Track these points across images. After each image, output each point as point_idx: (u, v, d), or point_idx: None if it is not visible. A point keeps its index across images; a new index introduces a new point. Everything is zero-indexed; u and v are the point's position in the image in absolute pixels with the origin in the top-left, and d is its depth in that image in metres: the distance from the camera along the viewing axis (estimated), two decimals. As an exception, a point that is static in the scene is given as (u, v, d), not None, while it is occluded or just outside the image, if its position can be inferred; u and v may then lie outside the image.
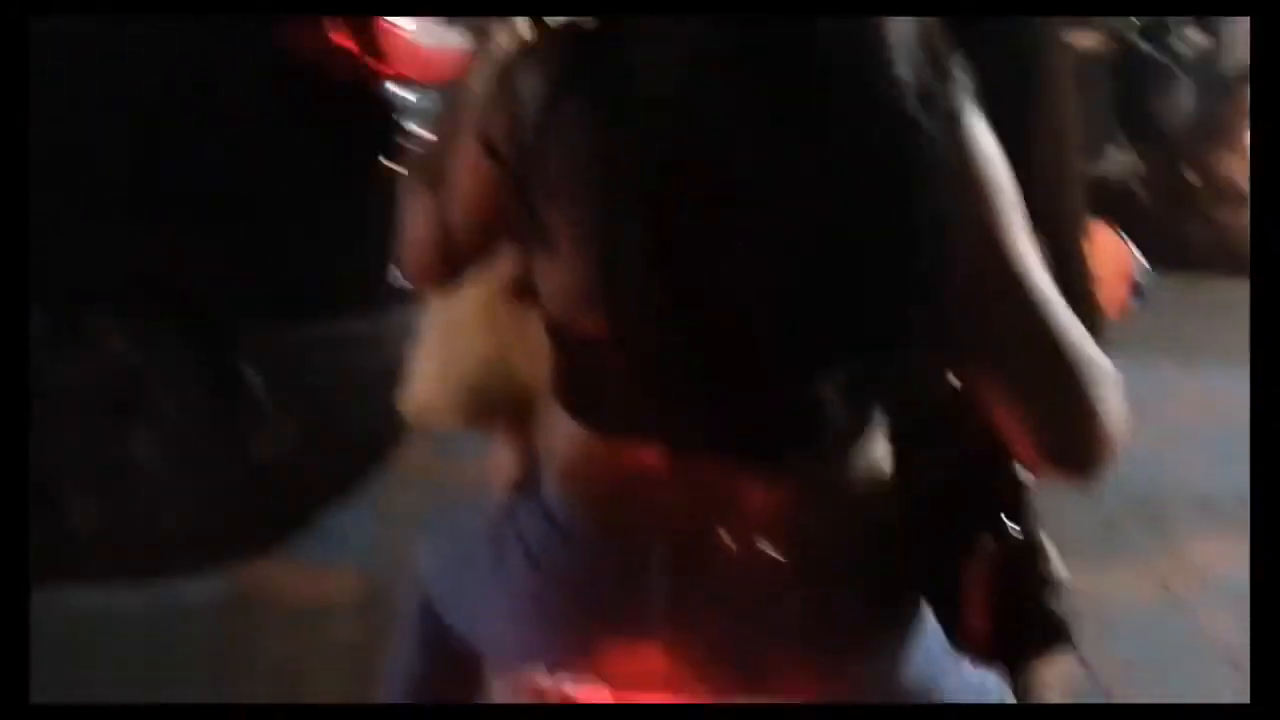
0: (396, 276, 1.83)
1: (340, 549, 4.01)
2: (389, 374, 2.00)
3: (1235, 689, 3.52)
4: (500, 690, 1.68)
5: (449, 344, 1.89)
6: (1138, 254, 2.10)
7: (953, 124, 1.37)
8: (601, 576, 1.57)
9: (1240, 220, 7.04)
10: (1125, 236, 2.12)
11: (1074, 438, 1.42)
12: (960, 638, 1.61)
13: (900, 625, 1.58)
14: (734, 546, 1.52)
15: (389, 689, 1.84)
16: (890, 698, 1.57)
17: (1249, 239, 7.09)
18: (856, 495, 1.53)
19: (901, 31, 1.35)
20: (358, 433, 3.72)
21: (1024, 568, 1.63)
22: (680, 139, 1.35)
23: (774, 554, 1.51)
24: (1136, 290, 2.11)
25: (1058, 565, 1.64)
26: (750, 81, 1.34)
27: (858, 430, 1.51)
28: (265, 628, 3.59)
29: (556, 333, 1.52)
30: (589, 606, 1.58)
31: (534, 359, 1.77)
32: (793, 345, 1.39)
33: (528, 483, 1.69)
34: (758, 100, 1.34)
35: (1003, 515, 1.62)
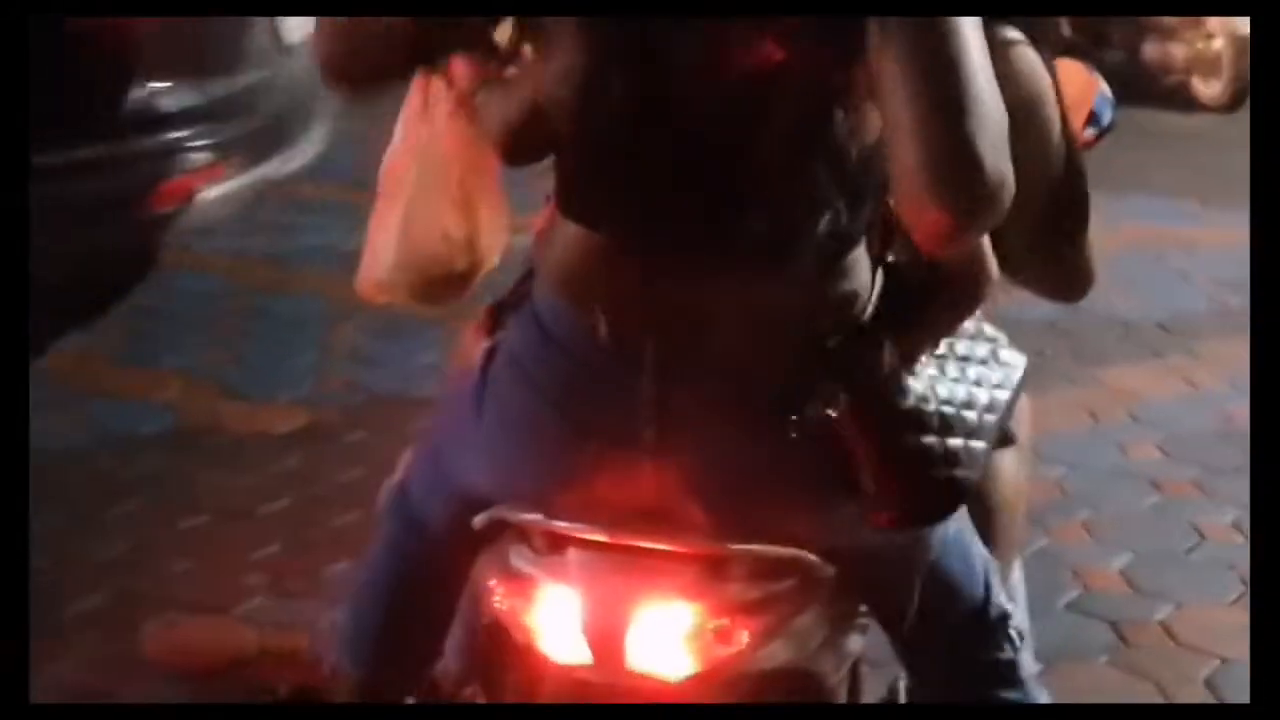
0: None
1: (280, 383, 4.02)
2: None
3: (1155, 504, 3.65)
4: (485, 566, 1.70)
5: (412, 221, 1.86)
6: (1104, 86, 2.11)
7: None
8: (591, 384, 1.58)
9: (1161, 52, 7.08)
10: (1094, 69, 2.12)
11: (951, 168, 1.38)
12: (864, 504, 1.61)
13: None
14: (721, 354, 1.54)
15: (371, 575, 1.83)
16: (880, 557, 1.62)
17: (1175, 71, 7.13)
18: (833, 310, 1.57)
19: None
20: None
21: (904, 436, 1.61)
22: None
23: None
24: (1098, 121, 2.12)
25: (945, 433, 1.63)
26: None
27: (838, 243, 1.55)
28: (209, 459, 3.59)
29: (562, 138, 1.55)
30: (579, 421, 1.58)
31: (498, 230, 1.81)
32: (759, 145, 1.48)
33: (516, 297, 1.69)
34: None
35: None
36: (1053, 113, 1.75)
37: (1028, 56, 1.72)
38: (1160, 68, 7.07)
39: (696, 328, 1.55)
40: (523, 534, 1.65)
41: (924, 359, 1.64)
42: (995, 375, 1.74)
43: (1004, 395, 1.72)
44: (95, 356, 4.09)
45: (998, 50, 1.53)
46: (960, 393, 1.65)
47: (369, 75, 1.61)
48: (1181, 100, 7.00)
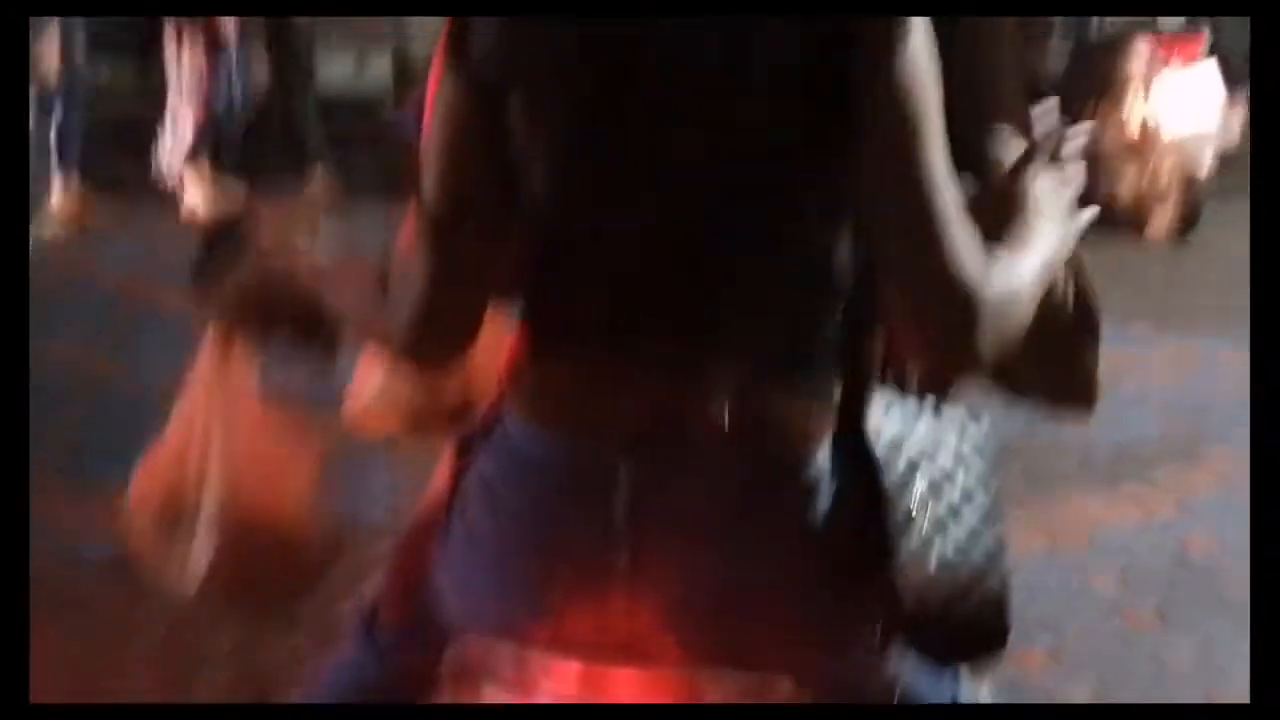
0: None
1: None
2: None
3: (1117, 631, 3.61)
4: (453, 690, 1.64)
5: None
6: None
7: (891, 38, 1.41)
8: (566, 508, 1.55)
9: (1110, 181, 7.16)
10: None
11: (942, 356, 1.49)
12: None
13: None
14: (701, 466, 1.52)
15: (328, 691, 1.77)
16: (862, 688, 1.57)
17: (1124, 200, 7.20)
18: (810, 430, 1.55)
19: None
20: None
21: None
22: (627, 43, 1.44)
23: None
24: None
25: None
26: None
27: (812, 354, 1.54)
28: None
29: (532, 250, 1.54)
30: (553, 547, 1.55)
31: (495, 365, 1.76)
32: (735, 258, 1.48)
33: (488, 423, 1.66)
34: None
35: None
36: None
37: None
38: (1110, 196, 7.15)
39: (674, 449, 1.52)
40: (494, 663, 1.59)
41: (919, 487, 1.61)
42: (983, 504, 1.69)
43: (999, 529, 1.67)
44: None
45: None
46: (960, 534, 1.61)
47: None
48: (1131, 228, 7.06)
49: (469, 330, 1.59)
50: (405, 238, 1.58)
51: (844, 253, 1.51)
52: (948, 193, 1.45)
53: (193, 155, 6.83)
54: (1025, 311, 1.52)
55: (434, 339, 1.59)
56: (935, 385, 1.66)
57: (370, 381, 1.88)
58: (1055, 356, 1.74)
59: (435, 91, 1.53)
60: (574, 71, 1.46)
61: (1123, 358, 5.51)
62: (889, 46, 1.41)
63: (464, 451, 1.68)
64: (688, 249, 1.49)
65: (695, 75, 1.44)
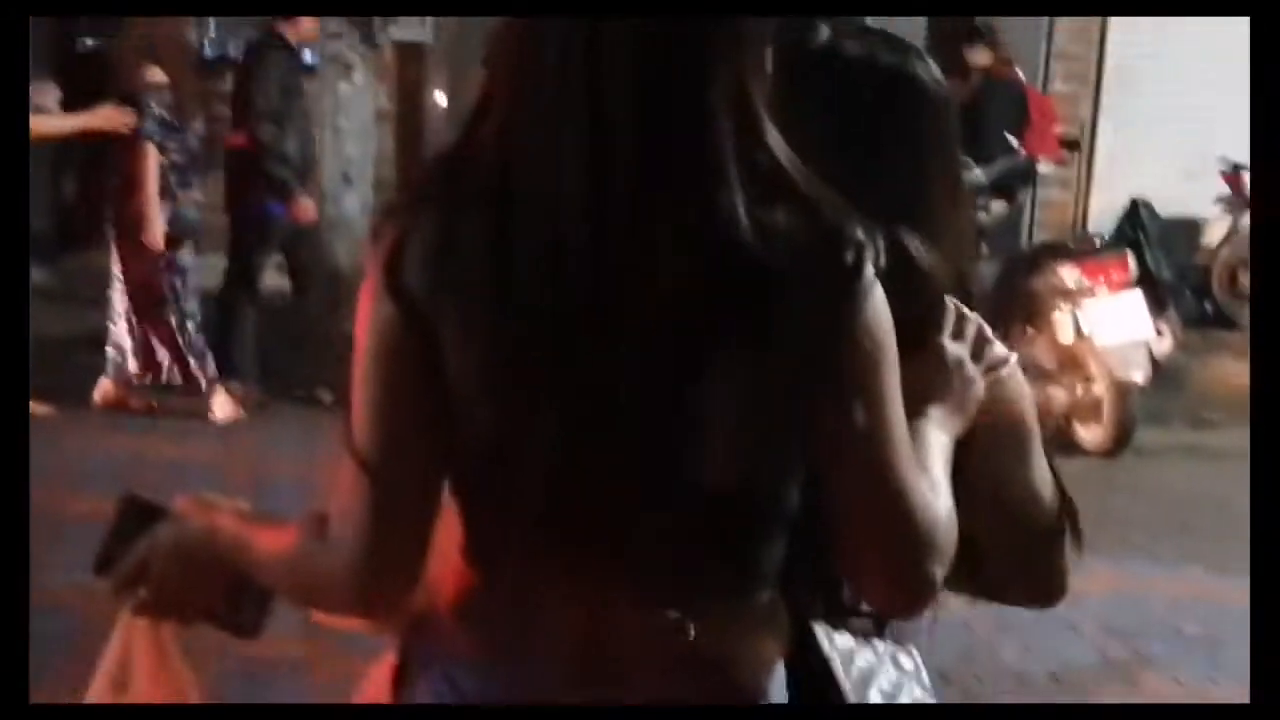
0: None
1: None
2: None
3: None
4: None
5: None
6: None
7: (850, 294, 1.41)
8: None
9: (1042, 396, 7.19)
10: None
11: (906, 596, 1.51)
12: None
13: None
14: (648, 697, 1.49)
15: None
16: None
17: (1055, 415, 7.21)
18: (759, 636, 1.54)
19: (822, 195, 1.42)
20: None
21: None
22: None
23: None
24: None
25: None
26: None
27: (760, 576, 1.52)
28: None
29: (462, 489, 1.50)
30: None
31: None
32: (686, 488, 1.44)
33: (424, 655, 1.59)
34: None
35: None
36: (1034, 429, 1.73)
37: (1016, 378, 1.70)
38: (1041, 412, 7.17)
39: (620, 675, 1.49)
40: None
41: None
42: None
43: None
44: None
45: (987, 374, 1.62)
46: None
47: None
48: (1065, 444, 7.08)
49: (414, 571, 1.51)
50: (339, 481, 1.51)
51: (791, 485, 1.48)
52: (905, 445, 1.46)
53: (213, 376, 6.95)
54: (953, 525, 1.52)
55: (378, 584, 1.51)
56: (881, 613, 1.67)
57: None
58: (1036, 555, 1.73)
59: (365, 321, 1.47)
60: (511, 305, 1.42)
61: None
62: (850, 301, 1.40)
63: (399, 681, 1.61)
64: (629, 483, 1.44)
65: (642, 317, 1.41)
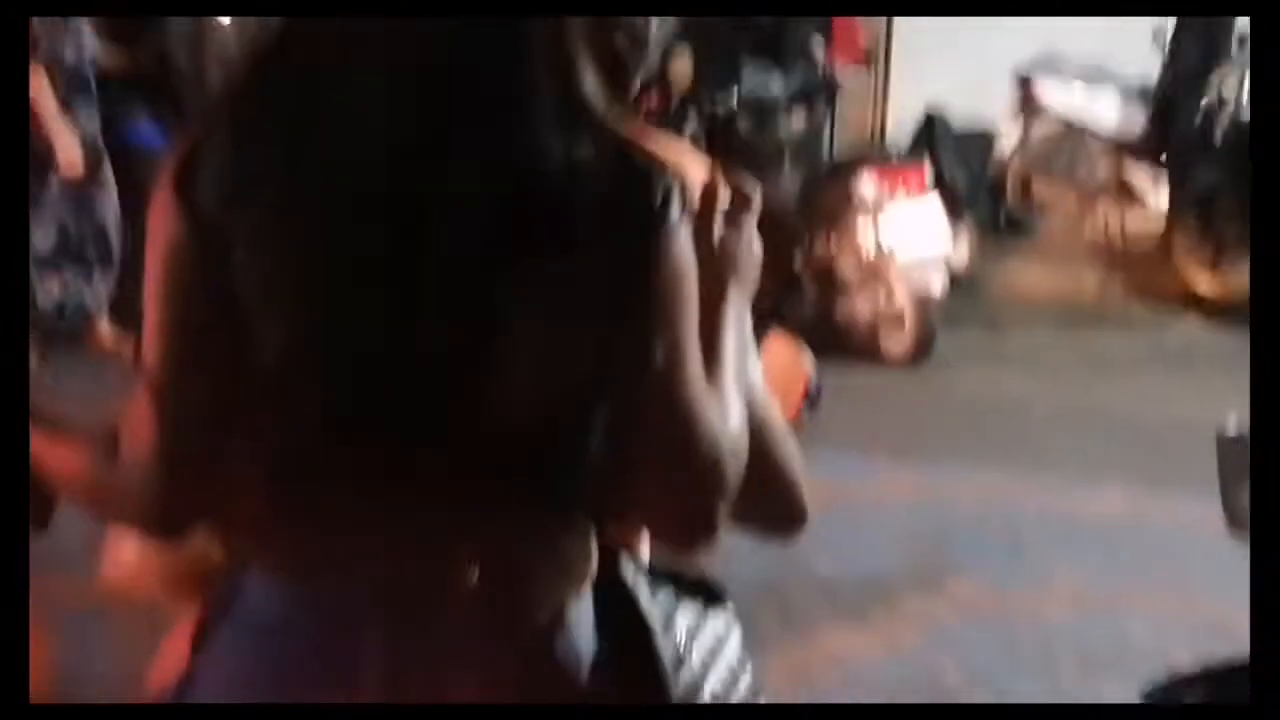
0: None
1: None
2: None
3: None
4: None
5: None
6: (810, 363, 2.20)
7: (657, 233, 1.43)
8: (308, 677, 1.51)
9: (848, 309, 7.34)
10: (803, 344, 2.21)
11: (689, 532, 1.52)
12: None
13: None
14: (453, 623, 1.50)
15: None
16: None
17: (861, 328, 7.37)
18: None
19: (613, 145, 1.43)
20: None
21: None
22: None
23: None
24: (810, 397, 2.23)
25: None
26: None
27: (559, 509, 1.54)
28: None
29: (264, 421, 1.48)
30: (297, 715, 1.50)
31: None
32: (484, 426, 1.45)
33: (225, 592, 1.59)
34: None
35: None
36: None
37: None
38: (847, 325, 7.32)
39: (425, 597, 1.50)
40: None
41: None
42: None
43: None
44: None
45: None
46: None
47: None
48: (868, 355, 7.25)
49: (206, 491, 1.50)
50: (131, 399, 1.50)
51: (593, 419, 1.49)
52: (698, 383, 1.47)
53: None
54: (741, 452, 1.52)
55: (171, 504, 1.50)
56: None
57: (127, 547, 1.81)
58: (765, 476, 1.72)
59: (154, 235, 1.45)
60: (307, 224, 1.41)
61: (863, 488, 5.62)
62: (657, 240, 1.42)
63: (201, 625, 1.61)
64: (424, 411, 1.45)
65: (443, 244, 1.41)
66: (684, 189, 1.45)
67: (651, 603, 1.63)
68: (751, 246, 1.64)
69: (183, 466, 1.48)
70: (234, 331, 1.43)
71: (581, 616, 1.55)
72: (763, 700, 1.71)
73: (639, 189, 1.42)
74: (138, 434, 1.47)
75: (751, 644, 1.78)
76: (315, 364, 1.44)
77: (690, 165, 1.64)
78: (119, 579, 1.82)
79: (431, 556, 1.49)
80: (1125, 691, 3.39)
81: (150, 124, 6.96)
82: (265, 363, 1.44)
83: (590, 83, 1.44)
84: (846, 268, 7.32)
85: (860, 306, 7.29)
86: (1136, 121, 9.17)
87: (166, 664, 1.69)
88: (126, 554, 1.80)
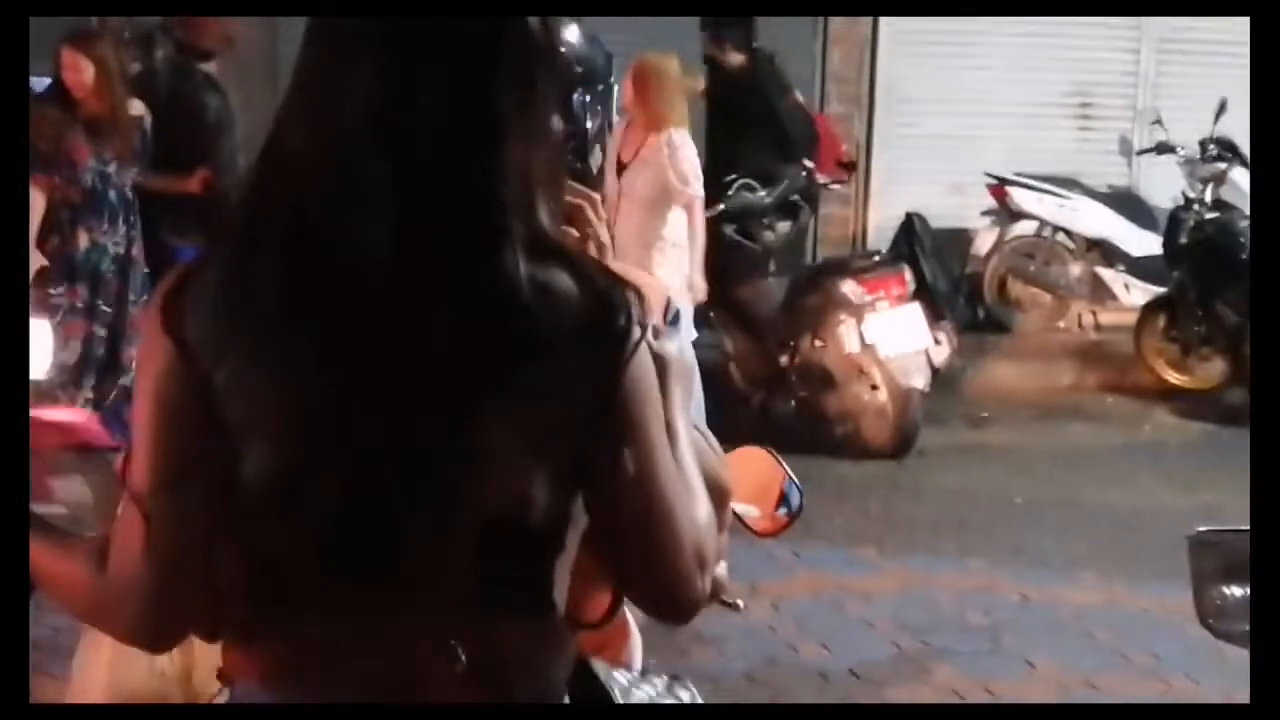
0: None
1: None
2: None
3: None
4: None
5: (119, 664, 1.83)
6: (789, 472, 2.29)
7: (621, 352, 1.53)
8: None
9: (829, 403, 7.53)
10: (778, 457, 2.30)
11: (677, 610, 1.62)
12: None
13: None
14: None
15: None
16: None
17: (843, 421, 7.49)
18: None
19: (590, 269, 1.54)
20: None
21: None
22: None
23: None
24: (789, 504, 2.28)
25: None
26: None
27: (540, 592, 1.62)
28: None
29: (246, 539, 1.54)
30: None
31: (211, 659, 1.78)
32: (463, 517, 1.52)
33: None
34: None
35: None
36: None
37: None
38: (830, 418, 7.49)
39: (411, 703, 1.56)
40: None
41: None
42: None
43: None
44: None
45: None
46: None
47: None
48: (853, 449, 7.44)
49: (192, 609, 1.56)
50: (120, 515, 1.55)
51: (569, 516, 1.59)
52: (671, 480, 1.57)
53: None
54: (714, 527, 1.63)
55: (155, 621, 1.55)
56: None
57: (91, 699, 1.85)
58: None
59: (143, 359, 1.52)
60: (295, 348, 1.48)
61: (848, 581, 5.80)
62: (621, 359, 1.53)
63: None
64: (410, 520, 1.51)
65: (423, 365, 1.48)
66: (644, 307, 1.55)
67: (626, 697, 1.71)
68: (684, 352, 1.73)
69: (168, 582, 1.52)
70: (219, 453, 1.49)
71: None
72: None
73: (604, 311, 1.52)
74: (125, 550, 1.52)
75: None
76: (299, 483, 1.50)
77: (646, 284, 1.68)
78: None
79: (415, 658, 1.54)
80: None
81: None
82: (250, 483, 1.50)
83: (548, 213, 1.54)
84: (830, 363, 7.51)
85: (844, 400, 7.49)
86: (1106, 223, 9.47)
87: None
88: (95, 690, 1.87)
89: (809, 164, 8.09)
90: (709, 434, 1.76)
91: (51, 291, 6.47)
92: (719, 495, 1.69)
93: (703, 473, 1.65)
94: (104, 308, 6.54)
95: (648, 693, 1.74)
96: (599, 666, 1.70)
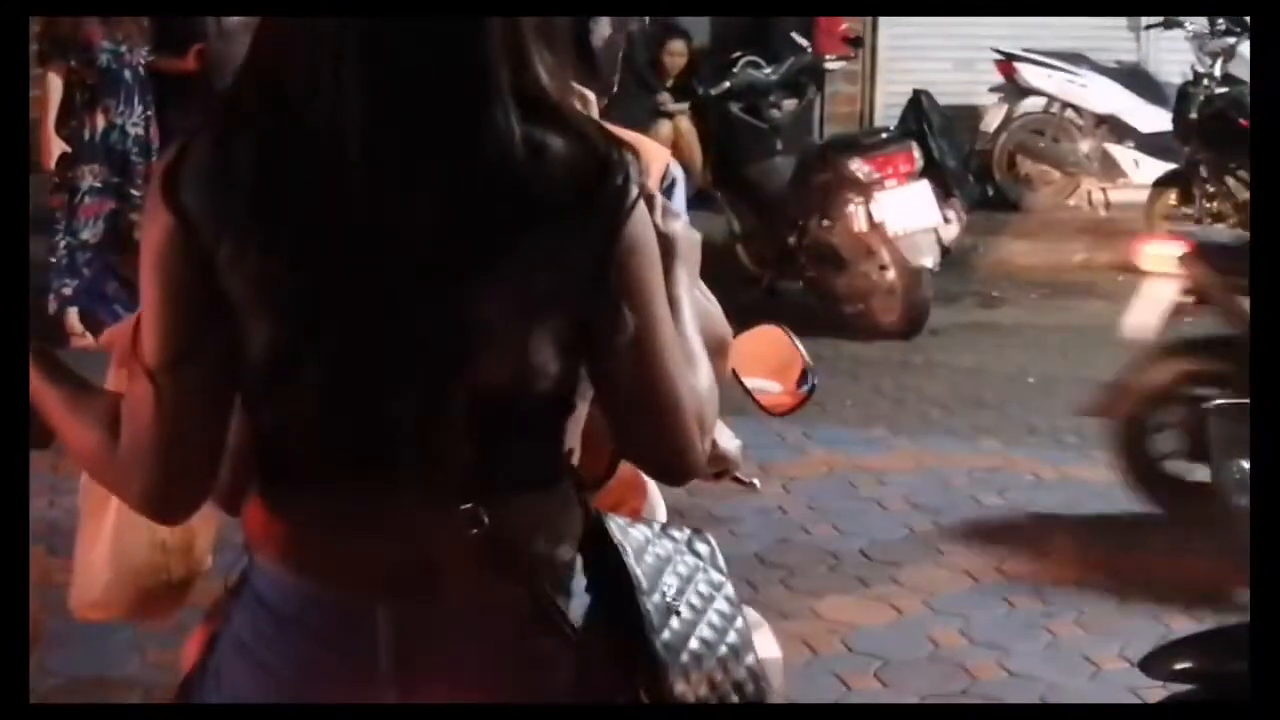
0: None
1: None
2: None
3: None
4: None
5: (122, 534, 1.82)
6: (803, 352, 2.24)
7: (620, 214, 1.51)
8: (328, 658, 1.57)
9: (840, 283, 7.47)
10: (792, 335, 2.26)
11: (679, 472, 1.65)
12: None
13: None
14: (460, 594, 1.56)
15: None
16: None
17: (853, 300, 7.47)
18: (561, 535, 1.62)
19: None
20: None
21: None
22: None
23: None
24: (807, 381, 2.25)
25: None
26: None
27: (545, 476, 1.61)
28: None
29: (257, 413, 1.56)
30: (320, 699, 1.56)
31: (212, 528, 1.80)
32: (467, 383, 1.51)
33: (236, 583, 1.66)
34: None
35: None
36: None
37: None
38: (840, 298, 7.44)
39: (429, 580, 1.56)
40: None
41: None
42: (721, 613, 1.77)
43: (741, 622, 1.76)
44: None
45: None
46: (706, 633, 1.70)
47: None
48: (862, 329, 7.38)
49: (202, 482, 1.57)
50: (132, 388, 1.56)
51: (572, 381, 1.59)
52: (672, 343, 1.57)
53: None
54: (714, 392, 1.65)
55: (166, 493, 1.56)
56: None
57: (93, 573, 1.85)
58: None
59: (146, 234, 1.53)
60: (286, 221, 1.48)
61: (861, 461, 5.76)
62: (619, 221, 1.51)
63: (214, 615, 1.68)
64: (411, 388, 1.51)
65: (416, 231, 1.48)
66: (641, 169, 1.53)
67: (639, 559, 1.69)
68: (690, 230, 1.73)
69: (179, 454, 1.53)
70: (225, 324, 1.50)
71: (574, 577, 1.63)
72: (751, 656, 1.72)
73: (602, 172, 1.50)
74: (136, 419, 1.53)
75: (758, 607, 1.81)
76: (304, 355, 1.50)
77: (644, 148, 1.67)
78: (87, 608, 1.88)
79: (430, 531, 1.55)
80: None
81: None
82: (254, 359, 1.51)
83: (545, 70, 1.51)
84: (839, 242, 7.44)
85: (854, 279, 7.42)
86: (1115, 98, 9.32)
87: (190, 655, 1.74)
88: (92, 587, 1.85)
89: (802, 41, 7.97)
90: (708, 292, 1.76)
91: (70, 173, 6.64)
92: (717, 347, 1.70)
93: (701, 329, 1.66)
94: (130, 190, 6.69)
95: (666, 547, 1.73)
96: (614, 525, 1.69)
